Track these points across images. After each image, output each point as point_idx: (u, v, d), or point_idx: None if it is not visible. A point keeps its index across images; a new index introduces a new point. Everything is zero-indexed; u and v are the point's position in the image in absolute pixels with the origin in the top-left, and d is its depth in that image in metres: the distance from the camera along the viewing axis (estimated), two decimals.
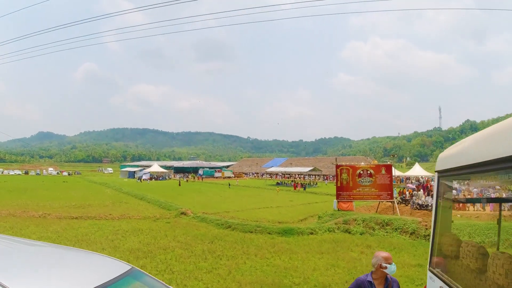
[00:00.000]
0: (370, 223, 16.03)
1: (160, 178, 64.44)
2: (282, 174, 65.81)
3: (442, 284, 3.71)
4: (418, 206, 20.13)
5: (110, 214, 19.91)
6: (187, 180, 60.80)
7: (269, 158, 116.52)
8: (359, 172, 19.07)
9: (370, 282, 3.73)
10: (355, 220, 16.60)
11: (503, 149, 2.40)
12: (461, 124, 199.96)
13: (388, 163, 21.62)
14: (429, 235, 14.49)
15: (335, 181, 62.11)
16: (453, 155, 3.71)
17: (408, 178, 50.34)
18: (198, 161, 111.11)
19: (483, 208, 15.84)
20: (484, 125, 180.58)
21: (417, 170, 43.72)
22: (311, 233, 15.54)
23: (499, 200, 4.49)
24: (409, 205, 21.02)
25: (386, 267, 3.68)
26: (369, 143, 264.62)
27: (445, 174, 3.97)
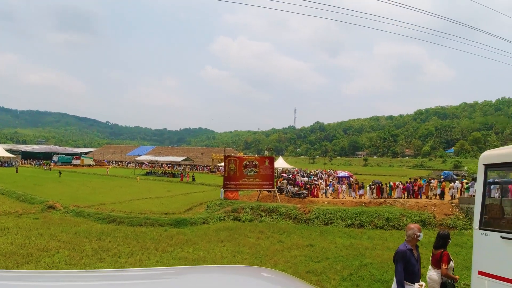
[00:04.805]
0: (257, 211, 17.23)
1: (6, 164, 52.49)
2: (148, 163, 62.87)
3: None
4: (292, 195, 22.69)
5: None
6: (50, 169, 50.81)
7: (134, 146, 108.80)
8: (246, 163, 20.13)
9: (410, 250, 4.51)
10: (243, 208, 17.55)
11: None
12: (312, 124, 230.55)
13: (269, 155, 23.49)
14: (308, 219, 16.59)
15: (208, 171, 62.75)
16: (500, 155, 5.54)
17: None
18: (51, 146, 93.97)
19: None
20: (330, 126, 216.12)
21: (280, 162, 48.88)
22: (204, 223, 15.68)
23: None
24: (284, 194, 23.46)
25: (419, 236, 4.53)
26: (231, 136, 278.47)
27: (492, 167, 5.67)
